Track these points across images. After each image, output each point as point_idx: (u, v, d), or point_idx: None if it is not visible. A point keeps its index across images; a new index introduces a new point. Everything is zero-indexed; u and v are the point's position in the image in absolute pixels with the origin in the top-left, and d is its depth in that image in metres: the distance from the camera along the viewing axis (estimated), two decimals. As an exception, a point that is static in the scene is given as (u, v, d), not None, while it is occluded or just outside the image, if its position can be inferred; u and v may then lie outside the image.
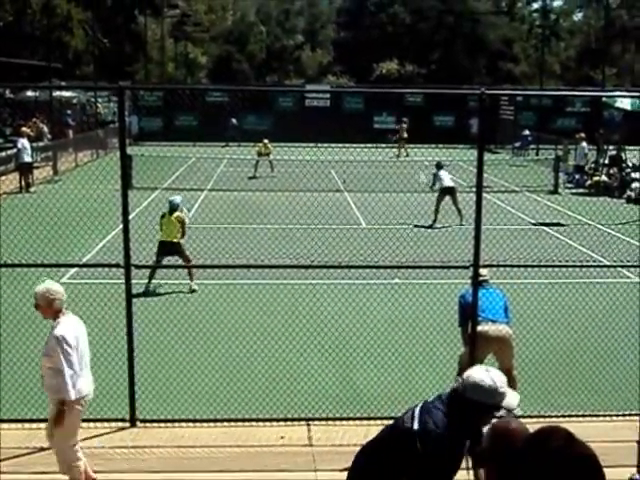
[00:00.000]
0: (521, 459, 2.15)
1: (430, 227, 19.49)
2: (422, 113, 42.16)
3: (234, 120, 40.79)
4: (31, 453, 7.17)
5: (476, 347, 7.93)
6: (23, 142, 25.60)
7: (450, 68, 67.43)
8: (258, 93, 36.35)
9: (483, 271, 8.15)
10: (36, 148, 28.82)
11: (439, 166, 20.98)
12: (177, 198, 14.07)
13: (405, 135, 38.16)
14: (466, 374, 4.12)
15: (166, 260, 13.46)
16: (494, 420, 3.72)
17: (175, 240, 13.38)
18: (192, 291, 13.20)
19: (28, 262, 10.72)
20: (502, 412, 3.98)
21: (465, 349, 8.17)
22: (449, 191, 20.14)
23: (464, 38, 71.62)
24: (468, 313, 8.06)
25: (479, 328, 7.91)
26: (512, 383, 8.20)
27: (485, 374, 4.03)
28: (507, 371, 8.20)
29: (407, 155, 36.62)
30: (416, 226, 18.66)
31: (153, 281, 13.17)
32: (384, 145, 38.62)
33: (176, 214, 13.53)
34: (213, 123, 39.62)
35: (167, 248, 13.36)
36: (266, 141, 29.82)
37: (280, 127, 38.65)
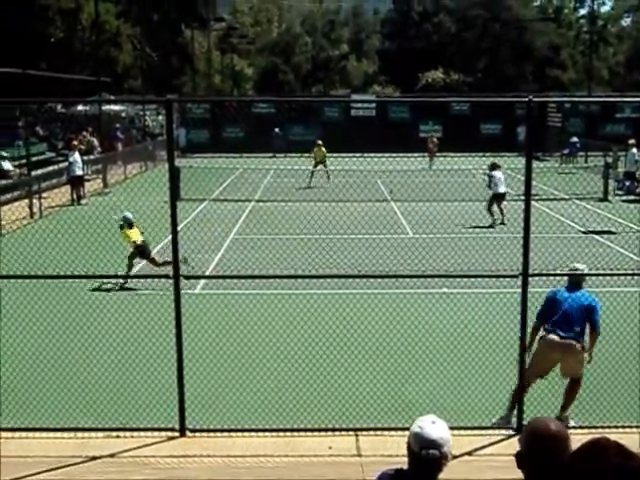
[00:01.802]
0: (573, 474, 2.08)
1: (491, 226, 20.01)
2: (469, 121, 41.91)
3: (277, 129, 40.91)
4: (83, 462, 7.25)
5: (540, 354, 7.84)
6: (74, 156, 26.06)
7: (496, 76, 66.99)
8: (304, 104, 36.43)
9: (579, 266, 7.98)
10: (87, 161, 29.31)
11: (494, 166, 20.79)
12: (128, 214, 15.17)
13: (435, 148, 36.83)
14: None
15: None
16: (532, 419, 3.46)
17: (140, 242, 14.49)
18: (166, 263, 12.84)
19: (80, 273, 10.92)
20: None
21: (530, 358, 7.99)
22: (502, 197, 20.22)
23: (510, 45, 71.11)
24: (546, 315, 7.92)
25: (546, 337, 7.81)
26: (571, 392, 8.05)
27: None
28: (572, 381, 8.06)
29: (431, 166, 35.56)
30: (477, 227, 19.27)
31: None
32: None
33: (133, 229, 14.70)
34: (260, 134, 39.82)
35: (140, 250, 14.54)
36: (320, 142, 29.49)
37: (326, 137, 38.66)
